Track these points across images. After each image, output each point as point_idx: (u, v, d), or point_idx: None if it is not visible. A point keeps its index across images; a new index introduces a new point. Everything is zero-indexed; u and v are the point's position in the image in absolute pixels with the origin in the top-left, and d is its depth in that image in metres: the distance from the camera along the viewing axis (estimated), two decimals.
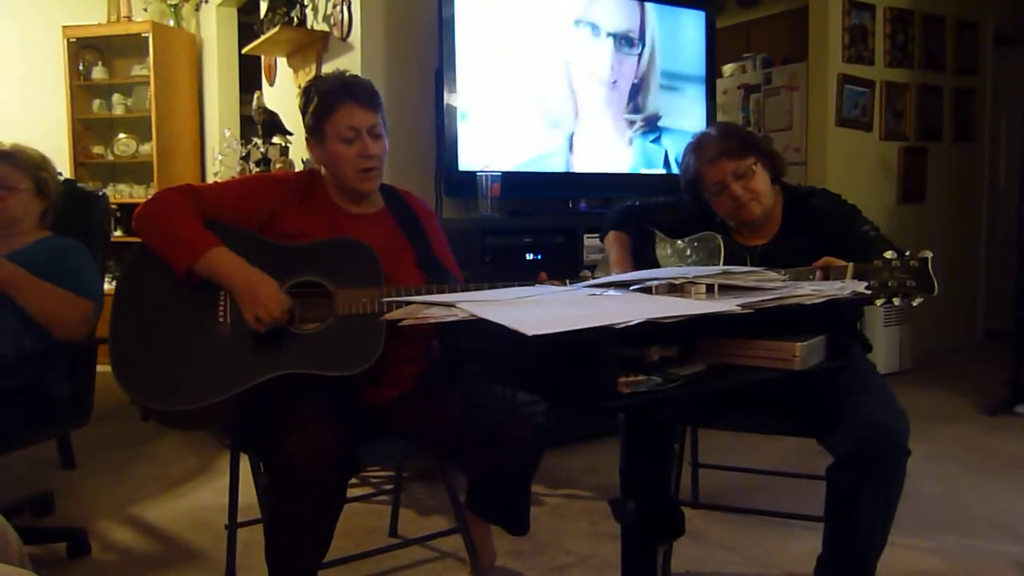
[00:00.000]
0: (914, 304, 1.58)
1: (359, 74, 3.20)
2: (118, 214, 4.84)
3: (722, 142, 1.96)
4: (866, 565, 1.76)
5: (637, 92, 3.57)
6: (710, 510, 2.48)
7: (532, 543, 2.32)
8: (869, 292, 1.38)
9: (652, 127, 3.64)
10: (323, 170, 1.96)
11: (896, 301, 1.58)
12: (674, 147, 3.68)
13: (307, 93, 1.90)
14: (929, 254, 1.57)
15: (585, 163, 3.46)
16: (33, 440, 2.23)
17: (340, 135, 1.84)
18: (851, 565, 1.77)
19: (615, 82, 3.47)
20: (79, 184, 2.47)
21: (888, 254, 1.60)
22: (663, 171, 3.66)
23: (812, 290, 1.29)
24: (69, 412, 2.22)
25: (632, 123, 3.57)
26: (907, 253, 1.60)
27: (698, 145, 2.01)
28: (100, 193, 2.46)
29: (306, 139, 1.94)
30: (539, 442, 1.84)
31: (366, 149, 1.85)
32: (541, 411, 3.13)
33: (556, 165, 3.40)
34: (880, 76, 4.81)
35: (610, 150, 3.54)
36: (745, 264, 1.91)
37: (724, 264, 1.91)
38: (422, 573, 2.20)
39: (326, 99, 1.85)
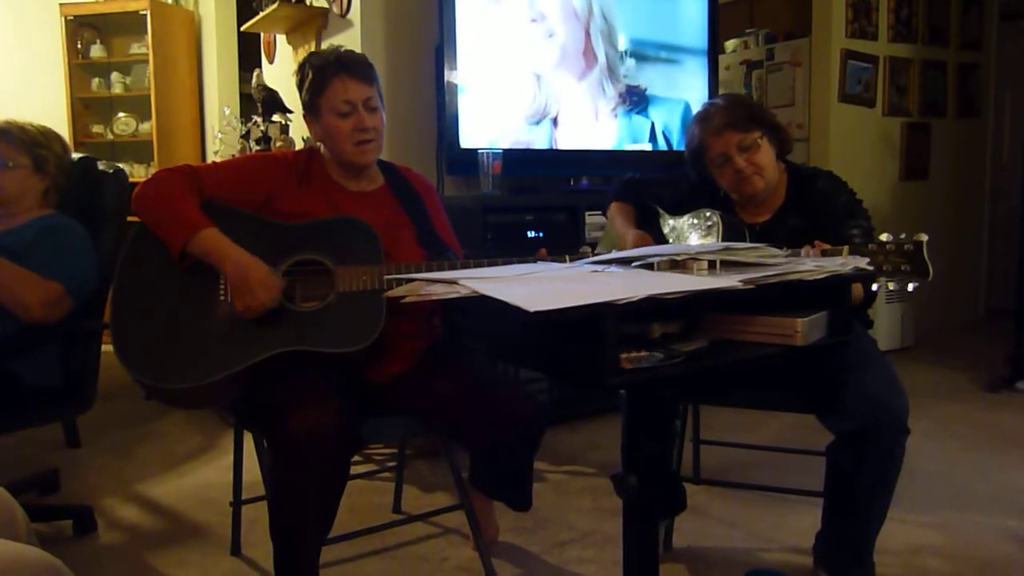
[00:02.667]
0: (908, 289, 1.56)
1: (359, 51, 3.19)
2: None
3: (728, 113, 1.94)
4: (865, 541, 1.78)
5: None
6: (711, 486, 2.50)
7: (534, 519, 2.34)
8: (871, 268, 1.38)
9: (638, 100, 3.60)
10: (322, 148, 1.95)
11: (891, 285, 1.57)
12: (666, 121, 3.67)
13: (302, 69, 1.90)
14: (924, 237, 1.54)
15: (569, 139, 3.43)
16: (13, 428, 2.18)
17: (335, 109, 1.84)
18: (850, 541, 1.78)
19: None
20: (98, 162, 2.40)
21: (883, 236, 1.58)
22: (649, 147, 3.64)
23: (814, 266, 1.29)
24: (63, 400, 2.17)
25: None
26: (903, 236, 1.58)
27: (704, 115, 1.99)
28: (113, 171, 2.38)
29: (303, 116, 1.93)
30: (541, 419, 1.84)
31: (362, 122, 1.85)
32: (543, 388, 3.14)
33: (541, 141, 3.38)
34: (884, 51, 4.77)
35: (592, 124, 3.50)
36: (744, 240, 1.90)
37: (723, 240, 1.91)
38: (425, 549, 2.22)
39: (320, 74, 1.85)
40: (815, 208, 1.92)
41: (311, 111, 1.89)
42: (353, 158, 1.89)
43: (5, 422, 2.10)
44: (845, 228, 1.82)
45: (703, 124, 1.97)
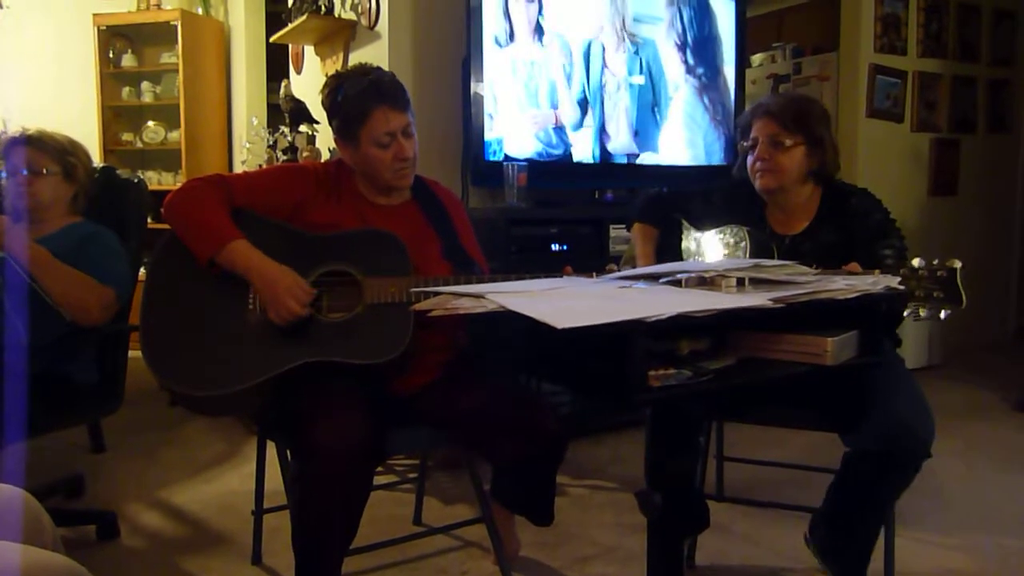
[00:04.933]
0: (941, 316, 1.51)
1: (387, 63, 3.21)
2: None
3: (781, 105, 1.95)
4: (867, 545, 1.78)
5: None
6: (735, 503, 2.47)
7: (556, 533, 2.33)
8: (903, 288, 1.36)
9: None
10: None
11: (923, 312, 1.52)
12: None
13: (334, 94, 1.87)
14: (958, 264, 1.50)
15: (590, 152, 3.43)
16: (60, 426, 2.25)
17: (376, 141, 1.83)
18: (849, 544, 1.79)
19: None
20: (118, 171, 2.48)
21: (915, 262, 1.54)
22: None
23: (845, 285, 1.28)
24: (98, 399, 2.24)
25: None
26: (935, 261, 1.53)
27: (765, 98, 2.03)
28: (136, 180, 2.46)
29: (336, 140, 1.91)
30: (564, 433, 1.84)
31: (402, 152, 1.85)
32: (566, 401, 3.13)
33: (586, 154, 3.38)
34: (913, 66, 4.73)
35: (616, 136, 3.51)
36: (772, 254, 1.89)
37: (751, 255, 1.89)
38: (446, 561, 2.21)
39: (358, 104, 1.82)
40: (848, 224, 1.91)
41: (348, 139, 1.87)
42: (392, 183, 1.90)
43: (58, 420, 2.18)
44: (878, 247, 1.81)
45: (757, 105, 2.00)
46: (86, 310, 2.05)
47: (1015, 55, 5.28)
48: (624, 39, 3.43)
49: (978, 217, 5.14)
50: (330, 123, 1.91)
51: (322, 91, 1.91)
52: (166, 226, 1.80)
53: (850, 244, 1.84)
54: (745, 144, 2.00)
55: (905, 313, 1.55)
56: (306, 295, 1.71)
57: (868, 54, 4.55)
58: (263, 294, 1.70)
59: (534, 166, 3.15)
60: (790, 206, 1.99)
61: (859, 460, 1.71)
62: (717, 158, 3.75)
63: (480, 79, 3.11)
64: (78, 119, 4.95)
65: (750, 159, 1.97)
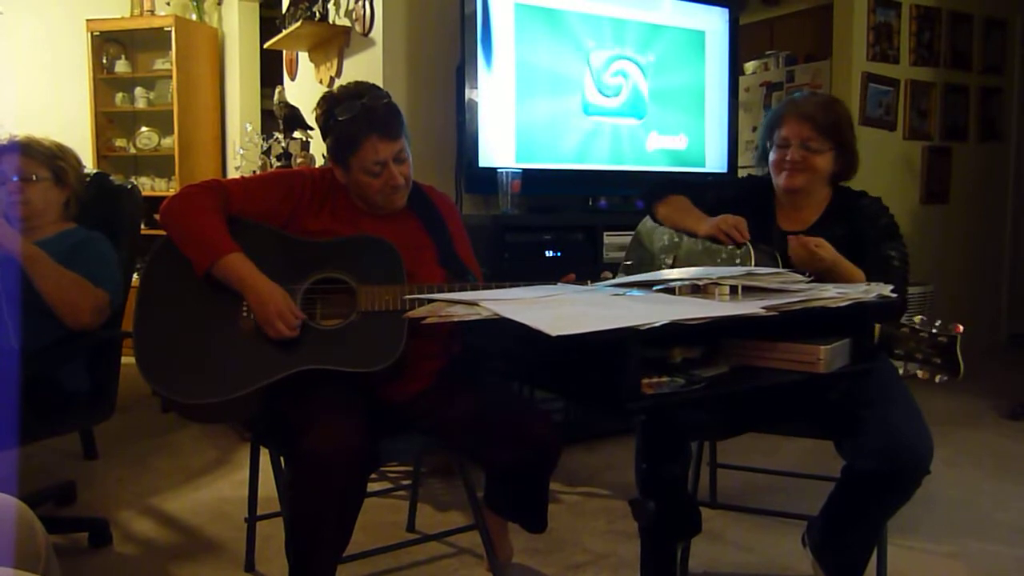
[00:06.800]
0: (936, 381, 1.50)
1: (381, 70, 3.21)
2: None
3: (820, 110, 1.95)
4: (865, 552, 1.78)
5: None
6: (728, 510, 2.47)
7: (549, 540, 2.32)
8: (895, 295, 1.37)
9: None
10: None
11: (921, 374, 1.51)
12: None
13: (326, 117, 1.85)
14: (959, 331, 1.48)
15: (586, 158, 3.43)
16: (50, 434, 2.22)
17: (366, 169, 1.82)
18: (846, 555, 1.78)
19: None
20: (111, 177, 2.47)
21: (917, 319, 1.52)
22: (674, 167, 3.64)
23: (837, 293, 1.28)
24: (89, 407, 2.22)
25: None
26: (937, 324, 1.50)
27: (802, 97, 2.02)
28: (129, 186, 2.46)
29: (328, 159, 1.91)
30: (557, 440, 1.84)
31: (393, 179, 1.84)
32: (559, 408, 3.13)
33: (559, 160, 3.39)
34: (905, 75, 4.76)
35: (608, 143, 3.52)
36: (777, 263, 1.89)
37: (757, 250, 1.89)
38: (439, 569, 2.21)
39: (348, 131, 1.81)
40: (857, 223, 1.92)
41: (339, 162, 1.86)
42: (383, 205, 1.89)
43: (49, 428, 2.15)
44: (884, 248, 1.84)
45: (794, 102, 2.00)
46: (78, 313, 2.05)
47: (1006, 63, 5.32)
48: (622, 49, 3.45)
49: (969, 225, 5.17)
50: (324, 143, 1.91)
51: (315, 109, 1.90)
52: (159, 232, 1.80)
53: (857, 241, 1.86)
54: (770, 143, 2.00)
55: (900, 372, 1.54)
56: (295, 319, 1.70)
57: (860, 62, 4.58)
58: (255, 311, 1.70)
59: (528, 173, 3.16)
60: (803, 204, 2.00)
61: (858, 477, 1.70)
62: (717, 165, 3.77)
63: (474, 86, 3.11)
64: (71, 125, 4.94)
65: (773, 156, 1.98)
